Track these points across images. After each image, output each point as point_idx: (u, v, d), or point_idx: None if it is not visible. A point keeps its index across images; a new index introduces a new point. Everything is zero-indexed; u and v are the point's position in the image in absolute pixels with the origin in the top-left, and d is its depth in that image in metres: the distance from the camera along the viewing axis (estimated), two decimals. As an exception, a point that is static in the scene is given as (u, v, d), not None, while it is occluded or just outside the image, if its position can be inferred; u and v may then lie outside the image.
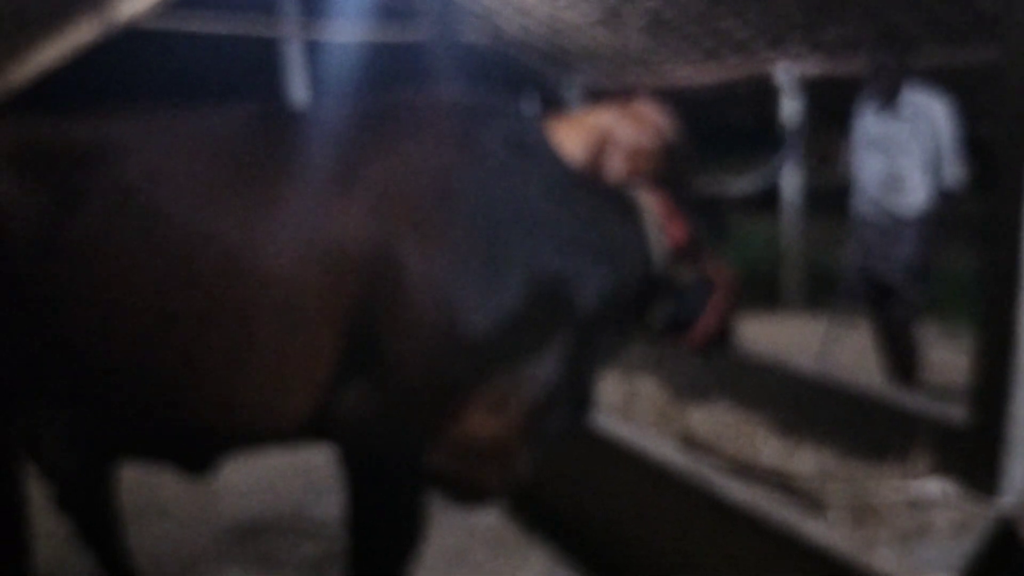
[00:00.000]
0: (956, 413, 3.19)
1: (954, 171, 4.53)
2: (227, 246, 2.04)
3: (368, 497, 2.26)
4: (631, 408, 4.33)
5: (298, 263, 2.04)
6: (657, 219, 2.49)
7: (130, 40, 7.06)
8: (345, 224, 2.06)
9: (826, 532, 2.44)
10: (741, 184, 2.71)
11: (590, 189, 2.44)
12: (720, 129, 10.05)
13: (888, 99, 4.58)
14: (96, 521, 2.78)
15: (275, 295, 2.04)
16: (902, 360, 4.75)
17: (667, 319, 2.60)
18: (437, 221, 2.10)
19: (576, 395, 2.48)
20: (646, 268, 2.46)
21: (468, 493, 2.44)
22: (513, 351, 2.20)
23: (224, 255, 2.04)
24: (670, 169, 6.99)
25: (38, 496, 2.61)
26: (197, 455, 2.41)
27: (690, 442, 3.54)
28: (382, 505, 2.26)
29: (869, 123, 4.76)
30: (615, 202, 2.49)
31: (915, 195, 4.60)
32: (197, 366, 2.07)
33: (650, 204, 2.51)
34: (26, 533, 2.53)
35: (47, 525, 3.65)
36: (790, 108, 7.14)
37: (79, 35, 6.29)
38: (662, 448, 3.06)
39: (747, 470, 3.31)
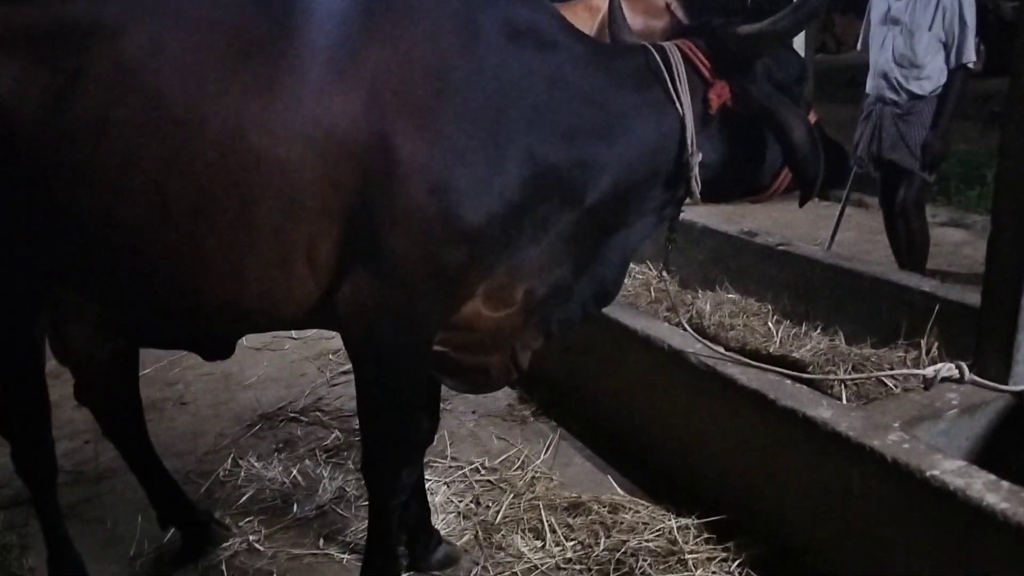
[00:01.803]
0: (968, 297, 3.15)
1: (971, 48, 4.38)
2: (226, 127, 2.00)
3: (376, 384, 2.27)
4: (641, 297, 4.32)
5: (295, 148, 2.00)
6: (689, 80, 2.28)
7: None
8: (341, 112, 2.01)
9: (834, 414, 2.44)
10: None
11: (607, 65, 2.28)
12: (731, 10, 9.70)
13: (909, -27, 4.39)
14: (118, 412, 2.82)
15: (273, 179, 2.01)
16: (912, 243, 4.69)
17: (726, 183, 2.45)
18: (433, 110, 2.04)
19: (596, 286, 2.41)
20: (678, 140, 2.27)
21: (471, 381, 2.45)
22: (513, 241, 2.16)
23: (222, 136, 2.00)
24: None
25: (59, 395, 2.62)
26: (211, 339, 2.44)
27: (699, 330, 3.52)
28: (391, 391, 2.27)
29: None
30: (636, 74, 2.29)
31: (931, 73, 4.46)
32: (201, 248, 2.07)
33: (678, 61, 2.29)
34: (48, 425, 2.56)
35: (71, 423, 3.74)
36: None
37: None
38: (671, 335, 3.05)
39: (755, 355, 3.31)
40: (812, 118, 2.42)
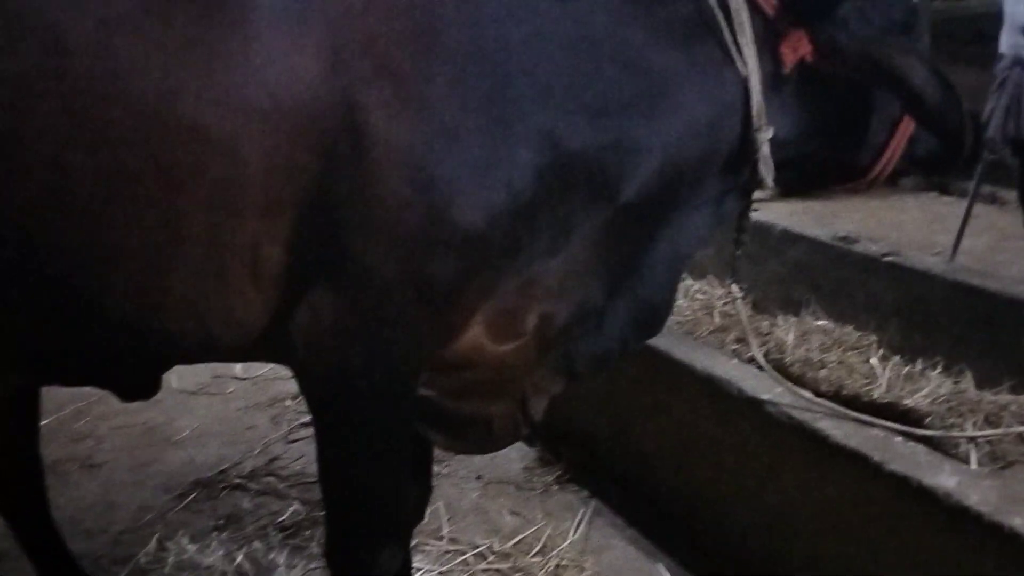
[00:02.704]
0: None
1: None
2: (146, 89, 1.99)
3: (343, 440, 2.27)
4: (702, 323, 4.34)
5: (235, 120, 1.99)
6: (755, 31, 2.28)
7: None
8: (295, 75, 2.00)
9: (960, 483, 2.44)
10: None
11: (646, 14, 2.27)
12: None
13: None
14: (11, 477, 2.84)
15: (206, 159, 2.00)
16: (1062, 253, 4.69)
17: (810, 167, 2.49)
18: (417, 75, 2.04)
19: (638, 309, 2.43)
20: (742, 111, 2.29)
21: (468, 437, 2.46)
22: (524, 249, 2.15)
23: (141, 100, 1.99)
24: None
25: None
26: (128, 372, 2.43)
27: (780, 367, 3.52)
28: (362, 450, 2.27)
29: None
30: (684, 24, 2.29)
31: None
32: (112, 248, 2.06)
33: (739, 5, 2.28)
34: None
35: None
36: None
37: None
38: (743, 376, 3.05)
39: (853, 402, 3.31)
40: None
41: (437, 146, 2.02)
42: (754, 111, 2.25)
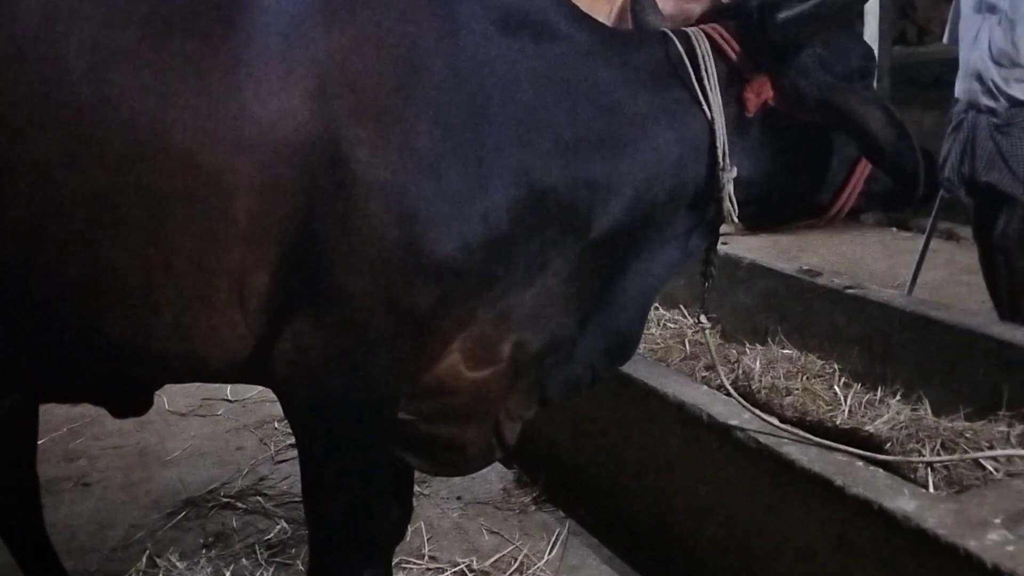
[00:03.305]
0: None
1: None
2: (137, 117, 2.00)
3: (325, 462, 2.27)
4: (673, 351, 4.34)
5: (222, 150, 2.00)
6: (721, 76, 2.30)
7: None
8: (281, 109, 2.01)
9: (918, 507, 2.44)
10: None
11: (619, 59, 2.31)
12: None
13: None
14: (8, 494, 2.83)
15: (193, 186, 2.00)
16: (1015, 287, 4.72)
17: (773, 205, 2.48)
18: (399, 112, 2.05)
19: (608, 339, 2.44)
20: (708, 151, 2.30)
21: (443, 460, 2.45)
22: (499, 280, 2.16)
23: (133, 127, 1.99)
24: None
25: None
26: (120, 389, 2.43)
27: (747, 394, 3.53)
28: (344, 471, 2.27)
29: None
30: (654, 69, 2.33)
31: (1039, 74, 4.52)
32: (103, 269, 2.06)
33: (706, 52, 2.31)
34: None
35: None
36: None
37: None
38: (711, 402, 3.06)
39: (817, 428, 3.32)
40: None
41: (416, 181, 2.03)
42: (719, 152, 2.26)
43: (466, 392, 2.27)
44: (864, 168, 2.43)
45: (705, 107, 2.27)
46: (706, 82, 2.27)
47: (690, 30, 2.36)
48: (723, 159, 2.27)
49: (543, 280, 2.24)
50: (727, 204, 2.30)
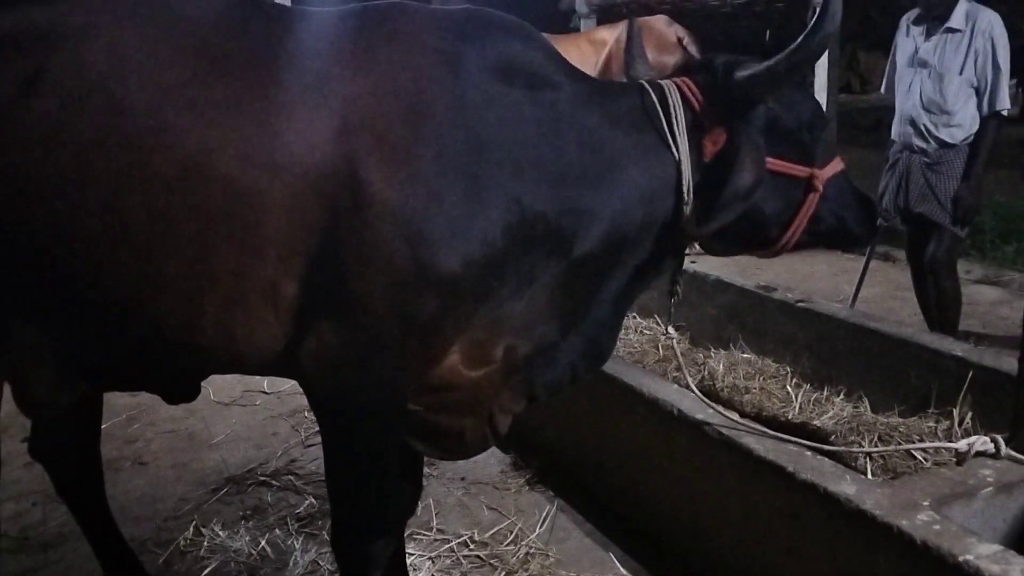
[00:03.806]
0: (1004, 363, 3.17)
1: (1005, 94, 4.45)
2: (189, 145, 2.01)
3: (344, 446, 2.27)
4: (648, 354, 4.33)
5: (260, 175, 2.01)
6: (688, 123, 2.28)
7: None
8: (310, 142, 2.02)
9: (858, 491, 2.44)
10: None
11: (601, 105, 2.29)
12: (746, 46, 9.88)
13: (940, 12, 4.47)
14: (76, 470, 2.82)
15: (234, 206, 2.02)
16: (942, 303, 4.72)
17: (728, 236, 2.40)
18: (409, 146, 2.05)
19: (587, 345, 2.41)
20: (675, 187, 2.27)
21: (443, 445, 2.43)
22: (493, 292, 2.15)
23: (185, 154, 2.01)
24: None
25: (5, 452, 2.61)
26: (172, 379, 2.45)
27: (712, 392, 3.53)
28: (360, 454, 2.26)
29: (916, 39, 4.65)
30: (631, 115, 2.30)
31: (962, 120, 4.53)
32: (158, 276, 2.07)
33: (676, 102, 2.29)
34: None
35: (18, 483, 3.71)
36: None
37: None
38: (681, 399, 3.05)
39: (772, 422, 3.31)
40: (837, 167, 2.44)
41: (423, 206, 2.03)
42: (684, 188, 2.25)
43: (464, 388, 2.25)
44: (808, 211, 2.40)
45: (673, 149, 2.25)
46: (675, 128, 2.26)
47: (664, 82, 2.35)
48: (687, 194, 2.25)
49: (531, 293, 2.22)
50: (690, 234, 2.30)
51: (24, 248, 2.10)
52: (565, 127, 2.21)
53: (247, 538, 3.36)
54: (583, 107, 2.25)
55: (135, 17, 2.16)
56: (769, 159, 2.30)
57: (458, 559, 3.21)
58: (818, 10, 2.14)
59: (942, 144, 4.58)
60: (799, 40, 2.15)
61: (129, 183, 2.02)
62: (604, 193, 2.23)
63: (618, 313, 2.46)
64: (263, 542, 3.33)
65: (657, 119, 2.27)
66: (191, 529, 3.45)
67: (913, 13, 4.74)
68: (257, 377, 4.31)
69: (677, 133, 2.26)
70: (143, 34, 2.12)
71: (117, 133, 2.02)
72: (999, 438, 2.65)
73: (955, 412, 3.25)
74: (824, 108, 3.76)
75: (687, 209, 2.26)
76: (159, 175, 2.01)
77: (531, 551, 3.23)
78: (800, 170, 2.37)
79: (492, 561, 3.18)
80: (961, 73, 4.46)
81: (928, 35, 4.59)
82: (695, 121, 2.28)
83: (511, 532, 3.35)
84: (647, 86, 2.33)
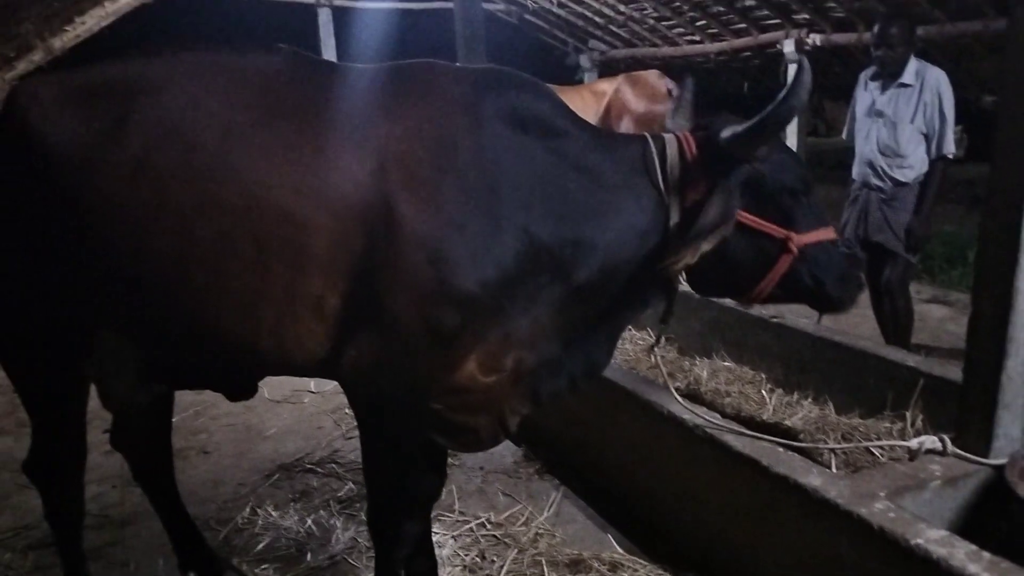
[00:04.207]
0: (950, 372, 3.15)
1: (951, 141, 4.45)
2: (251, 179, 2.05)
3: (378, 439, 2.28)
4: (642, 362, 4.32)
5: (310, 206, 2.04)
6: (681, 173, 2.23)
7: (168, 7, 6.99)
8: (353, 178, 2.05)
9: (824, 482, 2.43)
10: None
11: (604, 152, 2.27)
12: (727, 97, 9.90)
13: (894, 70, 4.48)
14: (150, 458, 2.84)
15: (288, 232, 2.04)
16: (897, 320, 4.70)
17: (707, 279, 2.36)
18: (435, 183, 2.07)
19: (584, 360, 2.39)
20: (664, 229, 2.24)
21: (461, 440, 2.42)
22: (505, 310, 2.15)
23: (247, 187, 2.05)
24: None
25: (88, 440, 2.62)
26: (234, 380, 2.47)
27: (696, 395, 3.52)
28: (392, 446, 2.28)
29: (873, 93, 4.66)
30: (632, 162, 2.27)
31: (914, 163, 4.53)
32: (222, 291, 2.10)
33: (673, 154, 2.25)
34: (82, 471, 2.59)
35: (99, 468, 3.73)
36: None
37: (120, 3, 6.24)
38: (670, 401, 3.05)
39: (749, 422, 3.30)
40: (824, 235, 2.34)
41: (446, 234, 2.05)
42: (671, 227, 2.22)
43: (479, 391, 2.25)
44: (780, 270, 2.31)
45: (664, 194, 2.23)
46: (667, 176, 2.23)
47: (666, 135, 2.31)
48: (675, 233, 2.21)
49: (536, 312, 2.21)
50: (674, 272, 2.24)
51: (111, 266, 2.14)
52: (569, 170, 2.21)
53: (296, 518, 3.37)
54: (587, 153, 2.24)
55: (207, 70, 2.21)
56: (746, 214, 2.25)
57: (477, 538, 3.20)
58: (790, 82, 2.10)
59: (896, 183, 4.58)
60: (771, 108, 2.10)
61: (200, 211, 2.06)
62: (601, 229, 2.21)
63: (613, 333, 2.44)
64: (309, 521, 3.33)
65: (652, 167, 2.25)
66: (247, 509, 3.46)
67: (870, 70, 4.74)
68: (305, 378, 4.33)
69: (668, 181, 2.23)
70: (213, 84, 2.16)
71: (190, 168, 2.06)
72: (946, 438, 2.65)
73: (908, 415, 3.23)
74: (795, 149, 3.75)
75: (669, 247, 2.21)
76: (225, 205, 2.05)
77: (540, 532, 3.22)
78: (775, 230, 2.28)
79: (506, 540, 3.17)
80: (912, 122, 4.47)
81: (883, 89, 4.59)
82: (685, 172, 2.24)
83: (523, 515, 3.35)
84: (649, 138, 2.31)
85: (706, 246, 2.19)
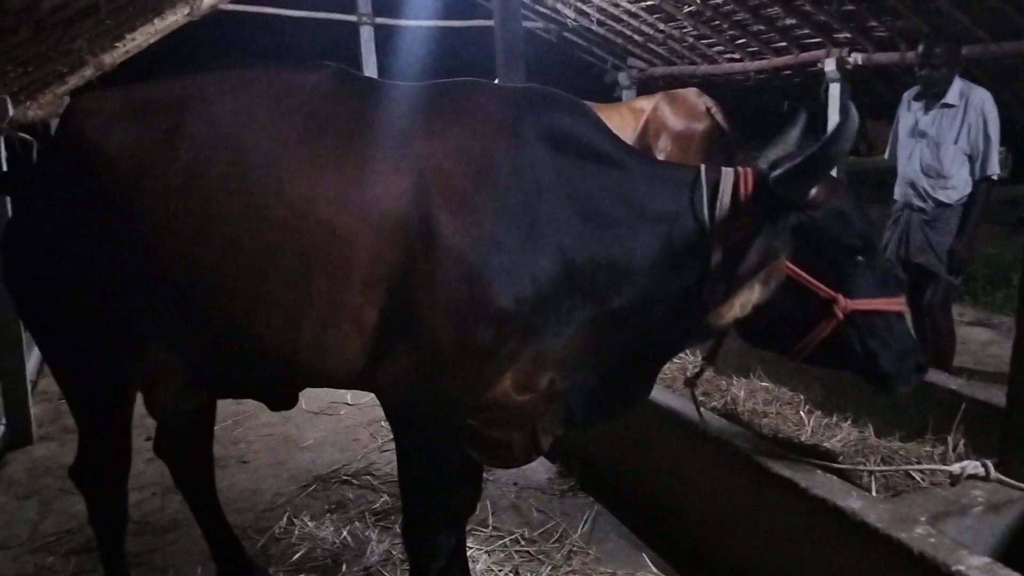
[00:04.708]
0: (994, 396, 3.10)
1: (995, 161, 4.39)
2: (297, 193, 2.09)
3: (413, 452, 2.30)
4: (678, 380, 4.29)
5: (352, 221, 2.07)
6: (728, 209, 2.13)
7: (214, 24, 7.14)
8: (394, 194, 2.08)
9: (863, 506, 2.41)
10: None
11: (648, 179, 2.21)
12: (766, 116, 9.84)
13: (938, 90, 4.44)
14: (192, 466, 2.88)
15: (331, 245, 2.08)
16: (939, 342, 4.63)
17: (748, 327, 2.26)
18: (473, 201, 2.09)
19: (620, 393, 2.35)
20: (702, 270, 2.15)
21: (495, 455, 2.42)
22: (538, 329, 2.15)
23: (293, 201, 2.09)
24: (719, 152, 6.89)
25: (133, 449, 2.67)
26: (275, 389, 2.50)
27: (733, 415, 3.50)
28: (426, 460, 2.29)
29: (916, 113, 4.62)
30: (679, 193, 2.19)
31: (957, 183, 4.47)
32: (266, 302, 2.13)
33: (725, 191, 2.14)
34: (126, 478, 2.64)
35: (141, 475, 3.79)
36: (836, 96, 6.92)
37: (168, 21, 6.39)
38: (710, 420, 3.03)
39: (787, 443, 3.27)
40: (885, 304, 2.23)
41: (483, 251, 2.06)
42: (712, 265, 2.16)
43: (513, 409, 2.25)
44: (821, 333, 2.20)
45: (709, 231, 2.16)
46: (716, 211, 2.16)
47: (725, 169, 2.22)
48: (716, 272, 2.15)
49: (570, 334, 2.20)
50: (712, 315, 2.19)
51: (160, 276, 2.19)
52: (607, 193, 2.18)
53: (331, 528, 3.40)
54: (628, 178, 2.21)
55: (254, 86, 2.26)
56: (793, 266, 2.16)
57: (510, 553, 3.21)
58: (835, 125, 2.00)
59: (939, 204, 4.53)
60: (816, 149, 2.04)
61: (246, 222, 2.10)
62: (638, 257, 2.18)
63: (652, 366, 2.39)
64: (345, 532, 3.36)
65: (699, 201, 2.18)
66: (284, 519, 3.50)
67: (914, 90, 4.70)
68: (342, 390, 4.36)
69: (715, 217, 2.16)
70: (261, 100, 2.22)
71: (238, 180, 2.12)
72: (989, 463, 2.61)
73: (949, 439, 3.18)
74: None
75: (710, 294, 2.17)
76: (270, 216, 2.09)
77: (574, 549, 3.22)
78: (821, 289, 2.17)
79: (539, 556, 3.17)
80: (956, 143, 4.42)
81: (927, 109, 4.55)
82: (735, 210, 2.15)
83: (556, 532, 3.34)
84: (703, 170, 2.23)
85: (754, 297, 2.15)
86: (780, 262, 2.16)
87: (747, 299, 2.19)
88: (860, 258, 2.19)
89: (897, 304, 2.22)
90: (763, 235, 2.12)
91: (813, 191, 2.11)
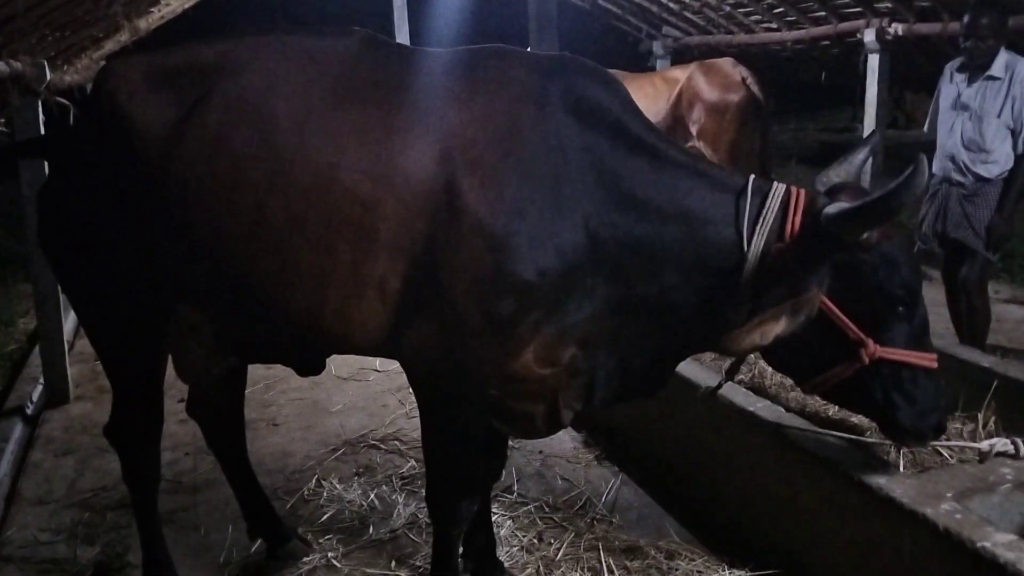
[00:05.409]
0: (1026, 374, 3.06)
1: (1040, 136, 4.29)
2: (322, 160, 2.10)
3: (436, 420, 2.32)
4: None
5: (377, 188, 2.08)
6: (770, 226, 2.06)
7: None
8: (418, 162, 2.09)
9: (889, 481, 2.40)
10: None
11: (690, 171, 2.16)
12: (803, 87, 9.67)
13: (982, 62, 4.33)
14: (223, 428, 2.94)
15: (355, 212, 2.09)
16: (973, 319, 4.56)
17: (770, 350, 2.19)
18: (498, 170, 2.08)
19: (640, 380, 2.31)
20: (733, 281, 2.10)
21: (517, 426, 2.43)
22: (561, 303, 2.13)
23: (318, 167, 2.10)
24: (755, 124, 6.79)
25: (164, 410, 2.73)
26: (302, 355, 2.53)
27: (760, 389, 3.48)
28: (449, 428, 2.31)
29: (959, 85, 4.51)
30: (721, 195, 2.14)
31: (998, 158, 4.37)
32: (292, 268, 2.16)
33: (772, 207, 2.08)
34: (158, 437, 2.71)
35: (174, 436, 3.88)
36: (875, 68, 6.76)
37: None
38: (735, 393, 3.03)
39: (814, 417, 3.25)
40: (918, 359, 2.16)
41: (507, 220, 2.06)
42: (742, 280, 2.11)
43: (536, 382, 2.25)
44: (841, 373, 2.16)
45: (745, 244, 2.10)
46: (757, 226, 2.10)
47: (777, 183, 2.16)
48: (744, 289, 2.10)
49: (592, 311, 2.17)
50: (736, 331, 2.13)
51: (189, 241, 2.22)
52: (639, 177, 2.14)
53: (359, 491, 3.45)
54: (661, 166, 2.16)
55: (285, 52, 2.27)
56: (828, 300, 2.10)
57: (535, 520, 3.23)
58: (905, 174, 1.92)
59: (978, 178, 4.44)
60: (881, 195, 1.95)
61: (272, 188, 2.12)
62: (667, 247, 2.14)
63: (669, 361, 2.37)
64: (372, 496, 3.41)
65: (742, 209, 2.12)
66: (314, 481, 3.56)
67: (957, 61, 4.59)
68: (370, 357, 4.41)
69: (757, 232, 2.09)
70: (290, 67, 2.23)
71: (265, 146, 2.13)
72: (1019, 441, 2.59)
73: (980, 416, 3.13)
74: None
75: (734, 308, 2.13)
76: (296, 183, 2.11)
77: (597, 517, 3.25)
78: (851, 330, 2.10)
79: (564, 523, 3.19)
80: (999, 116, 4.31)
81: (970, 82, 4.44)
82: (779, 229, 2.09)
83: (581, 500, 3.37)
84: (751, 180, 2.17)
85: (777, 328, 2.09)
86: (814, 297, 2.08)
87: (770, 329, 2.11)
88: (900, 308, 2.13)
89: (928, 360, 2.16)
90: (802, 265, 2.07)
91: (867, 234, 2.05)
